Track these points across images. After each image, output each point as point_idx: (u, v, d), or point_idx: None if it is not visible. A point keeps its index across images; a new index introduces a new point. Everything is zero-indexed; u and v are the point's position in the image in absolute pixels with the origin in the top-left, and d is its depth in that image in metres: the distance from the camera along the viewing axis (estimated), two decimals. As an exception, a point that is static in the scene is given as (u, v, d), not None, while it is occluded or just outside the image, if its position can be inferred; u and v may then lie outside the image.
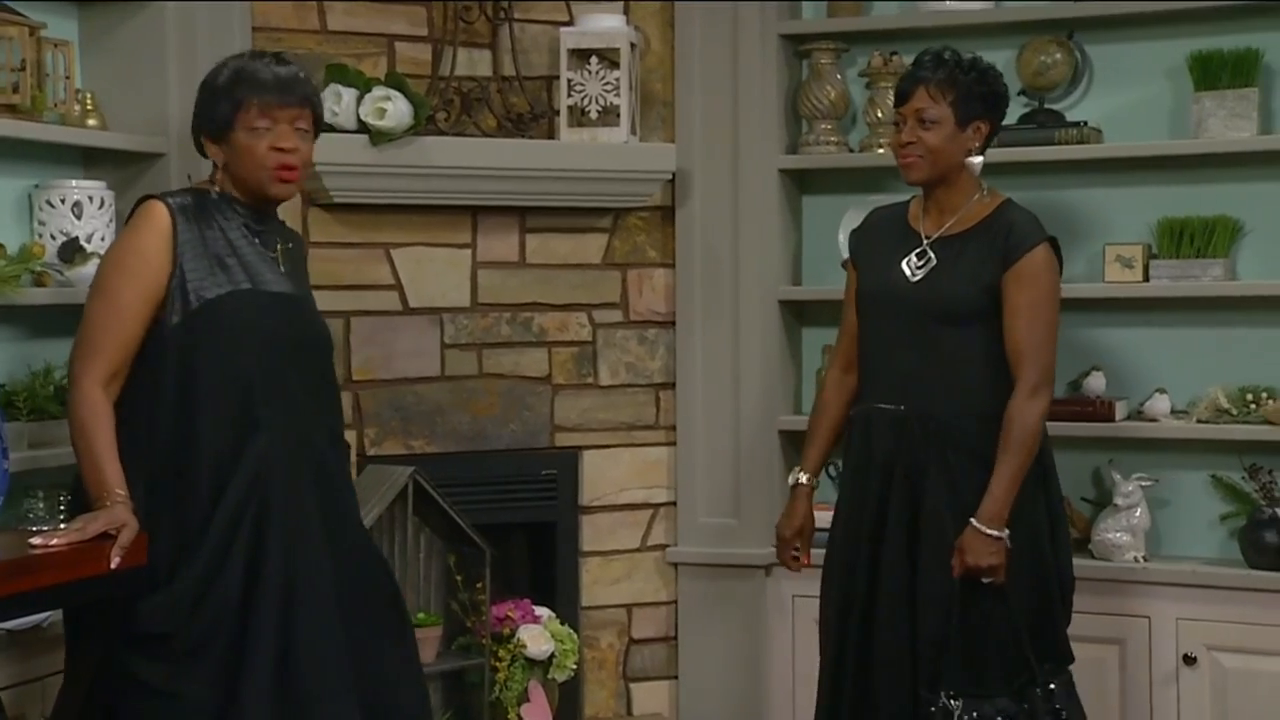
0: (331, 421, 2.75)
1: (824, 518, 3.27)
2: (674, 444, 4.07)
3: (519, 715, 3.69)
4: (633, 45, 3.85)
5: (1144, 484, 3.66)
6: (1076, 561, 3.19)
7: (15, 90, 3.07)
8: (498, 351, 3.93)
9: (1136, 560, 3.64)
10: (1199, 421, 3.65)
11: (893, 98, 3.90)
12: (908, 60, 3.88)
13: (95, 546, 2.41)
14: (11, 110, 3.08)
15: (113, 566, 2.41)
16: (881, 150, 3.94)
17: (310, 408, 2.67)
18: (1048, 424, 3.08)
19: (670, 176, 3.97)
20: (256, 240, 2.68)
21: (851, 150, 4.04)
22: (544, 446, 3.98)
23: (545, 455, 3.98)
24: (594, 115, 3.82)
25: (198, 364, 2.57)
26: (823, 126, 4.03)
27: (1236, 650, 3.53)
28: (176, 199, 2.66)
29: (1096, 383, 3.75)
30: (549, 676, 3.76)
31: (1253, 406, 3.61)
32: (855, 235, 3.30)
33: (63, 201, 3.19)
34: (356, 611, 2.64)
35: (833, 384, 3.26)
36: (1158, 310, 3.79)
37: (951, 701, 2.95)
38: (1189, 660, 3.55)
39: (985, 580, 2.97)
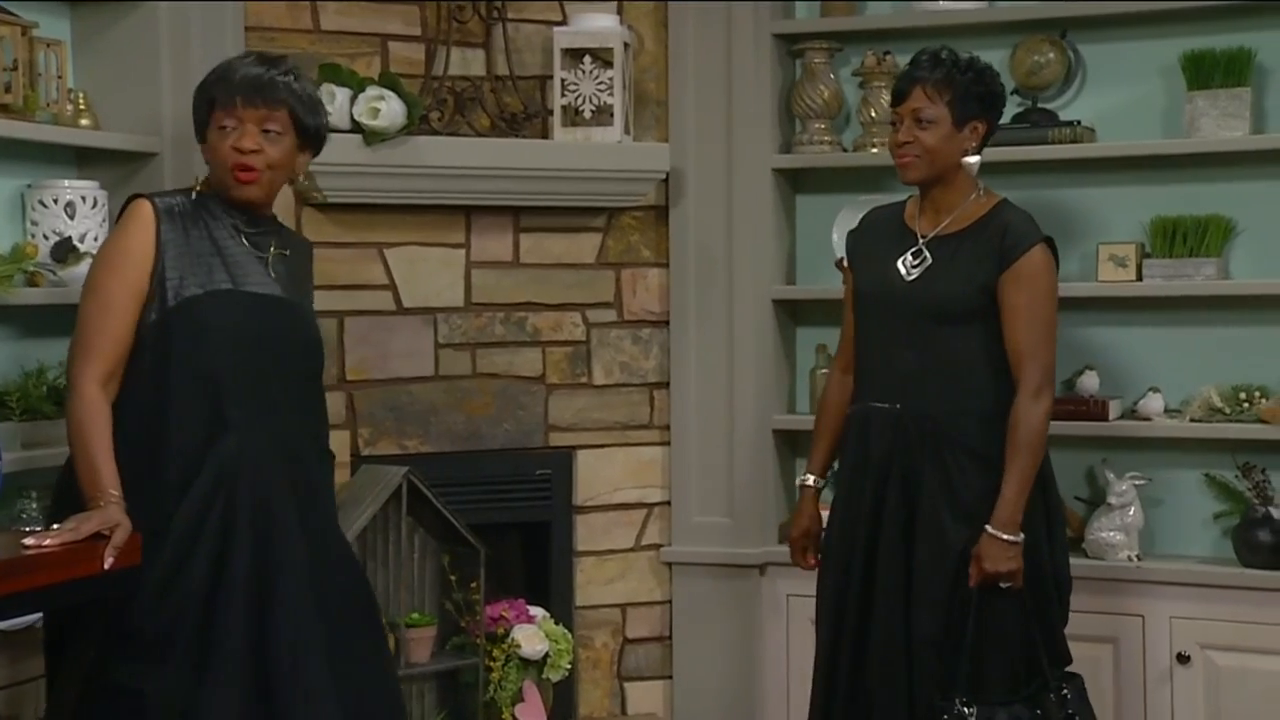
0: (316, 428, 2.74)
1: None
2: (668, 443, 4.07)
3: (513, 715, 3.69)
4: (626, 45, 3.85)
5: (1138, 483, 3.67)
6: (1070, 561, 3.19)
7: (7, 90, 3.07)
8: (492, 351, 3.93)
9: (1130, 559, 3.65)
10: (1192, 420, 3.66)
11: (887, 97, 3.92)
12: (901, 60, 3.90)
13: (89, 547, 2.41)
14: (4, 110, 3.07)
15: (106, 567, 2.41)
16: (875, 150, 3.95)
17: (291, 412, 2.66)
18: (1042, 423, 3.09)
19: (664, 176, 3.97)
20: (245, 241, 2.67)
21: (845, 150, 4.05)
22: (538, 446, 3.98)
23: (539, 455, 3.98)
24: (588, 115, 3.82)
25: (171, 362, 2.57)
26: (816, 126, 4.03)
27: (1230, 649, 3.54)
28: (164, 198, 2.67)
29: (1090, 382, 3.76)
30: (543, 676, 3.76)
31: (1246, 405, 3.61)
32: (852, 236, 3.30)
33: (55, 201, 3.19)
34: (334, 619, 2.63)
35: (835, 385, 3.27)
36: (1151, 309, 3.80)
37: (966, 709, 2.95)
38: (1183, 659, 3.56)
39: (1004, 585, 2.98)
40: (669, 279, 4.06)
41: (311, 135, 2.72)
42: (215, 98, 2.65)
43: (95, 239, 3.18)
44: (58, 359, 3.11)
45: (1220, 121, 3.64)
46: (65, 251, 3.14)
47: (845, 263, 3.50)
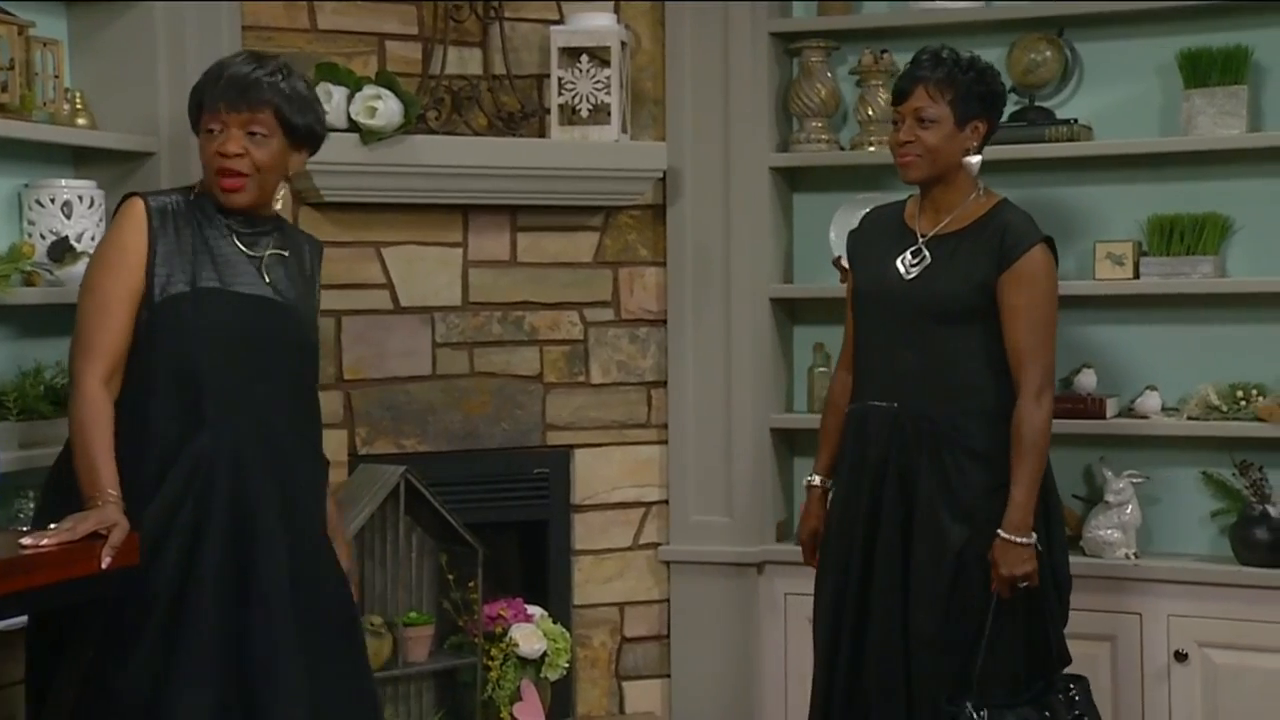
0: (307, 431, 2.73)
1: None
2: (665, 442, 4.07)
3: (511, 714, 3.69)
4: (623, 44, 3.85)
5: (1135, 481, 3.67)
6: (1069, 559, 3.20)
7: (4, 89, 3.06)
8: (489, 350, 3.93)
9: (1128, 557, 3.65)
10: (1189, 418, 3.66)
11: (884, 96, 3.94)
12: (898, 58, 3.90)
13: (86, 546, 2.41)
14: (0, 109, 3.07)
15: (104, 566, 2.41)
16: (872, 148, 3.95)
17: (280, 414, 2.64)
18: (1039, 422, 3.09)
19: (661, 175, 3.97)
20: (238, 242, 2.66)
21: (842, 148, 4.05)
22: (536, 445, 3.98)
23: (537, 454, 3.98)
24: (585, 114, 3.82)
25: (154, 358, 2.57)
26: (813, 124, 4.03)
27: (1227, 646, 3.54)
28: (158, 197, 2.66)
29: (1087, 380, 3.76)
30: (541, 675, 3.76)
31: (1243, 403, 3.62)
32: (853, 235, 3.30)
33: (52, 201, 3.19)
34: (311, 623, 2.62)
35: (840, 384, 3.27)
36: (1148, 307, 3.80)
37: (976, 714, 2.95)
38: (1180, 657, 3.56)
39: (1022, 585, 2.98)
40: (666, 278, 4.06)
41: (302, 134, 2.68)
42: (202, 100, 2.64)
43: (92, 238, 3.17)
44: (55, 359, 3.12)
45: (1217, 119, 3.64)
46: (62, 251, 3.14)
47: (844, 262, 3.50)
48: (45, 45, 3.21)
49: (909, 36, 3.92)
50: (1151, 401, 3.72)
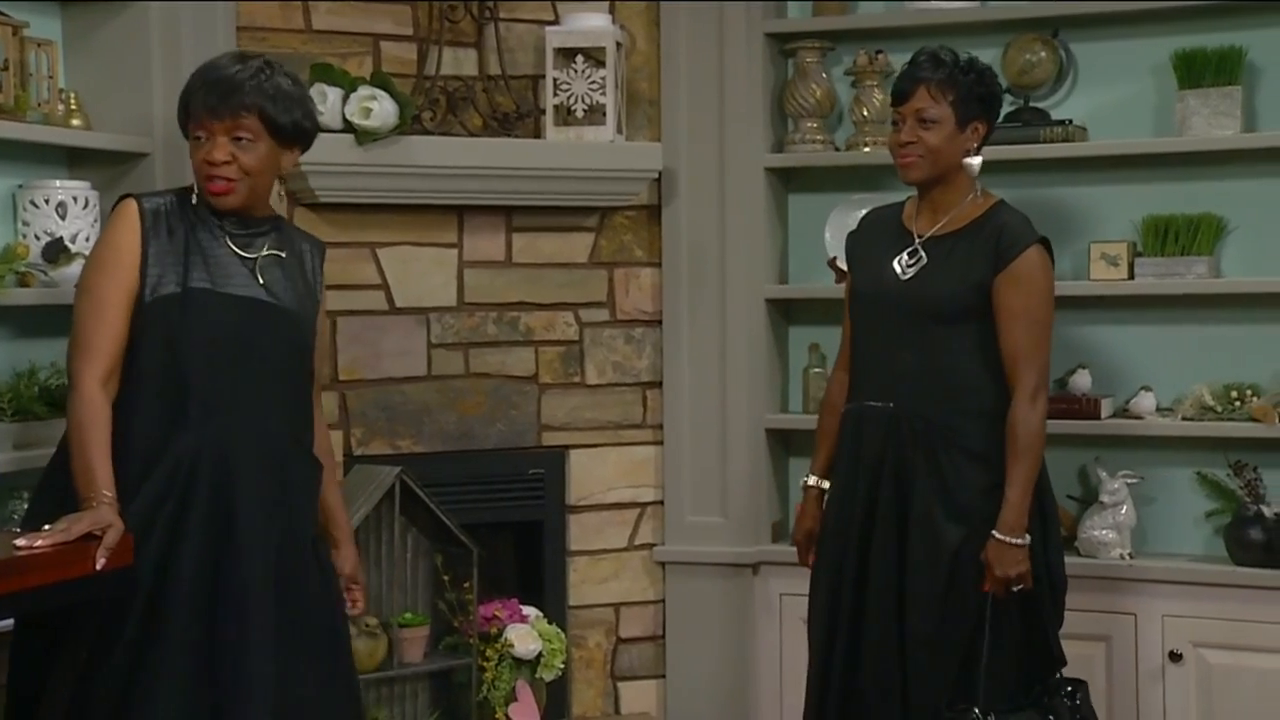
0: (300, 433, 2.71)
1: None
2: (661, 443, 4.07)
3: (506, 715, 3.69)
4: (618, 44, 3.85)
5: (1130, 481, 3.67)
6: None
7: (-1, 90, 3.07)
8: (484, 351, 3.92)
9: (1122, 557, 3.65)
10: (1184, 419, 3.66)
11: (879, 96, 3.95)
12: (893, 59, 3.91)
13: (80, 548, 2.40)
14: (-5, 110, 3.07)
15: (98, 567, 2.40)
16: (868, 149, 3.95)
17: (271, 416, 2.63)
18: (1033, 422, 3.09)
19: (656, 175, 3.97)
20: (231, 243, 2.65)
21: (837, 149, 4.05)
22: (531, 446, 3.98)
23: (532, 454, 3.98)
24: (580, 114, 3.82)
25: (140, 359, 2.57)
26: (808, 125, 4.03)
27: (1222, 647, 3.54)
28: (152, 198, 2.66)
29: (1082, 380, 3.76)
30: (536, 676, 3.75)
31: (1237, 404, 3.62)
32: (851, 236, 3.30)
33: (47, 202, 3.18)
34: (293, 628, 2.60)
35: (838, 385, 3.27)
36: (1143, 308, 3.80)
37: (984, 718, 2.95)
38: (1175, 657, 3.56)
39: (1016, 588, 2.98)
40: (661, 278, 4.06)
41: (290, 133, 2.65)
42: (187, 106, 2.63)
43: (87, 239, 3.17)
44: (49, 359, 3.11)
45: (1211, 120, 3.64)
46: (57, 252, 3.14)
47: (841, 263, 3.50)
48: (40, 46, 3.21)
49: (904, 37, 3.92)
50: (1146, 402, 3.72)
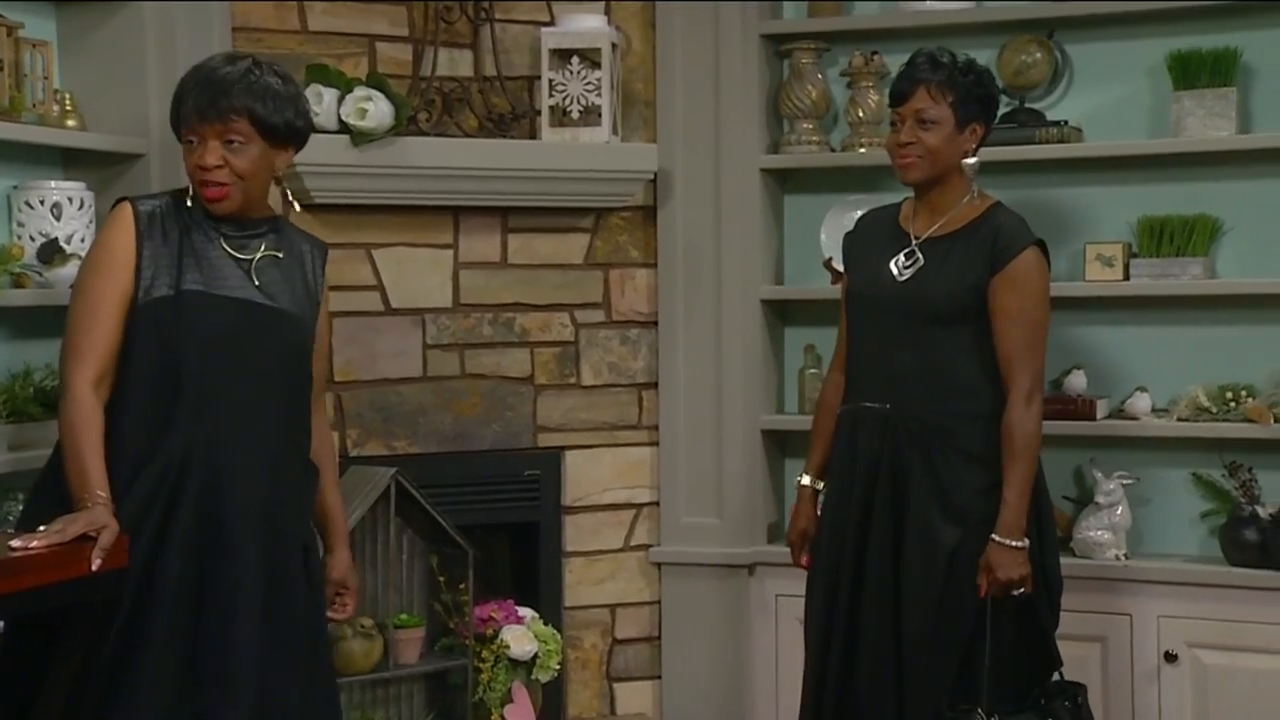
0: (294, 435, 2.69)
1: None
2: (656, 444, 4.07)
3: (502, 716, 3.69)
4: (614, 45, 3.85)
5: (1125, 482, 3.67)
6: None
7: (-7, 91, 3.06)
8: (480, 352, 3.92)
9: (1118, 558, 3.66)
10: (1179, 420, 3.66)
11: (875, 97, 3.95)
12: (889, 60, 3.91)
13: (75, 549, 2.39)
14: (-11, 111, 3.07)
15: (93, 568, 2.40)
16: (863, 150, 3.95)
17: (266, 419, 2.62)
18: (1029, 423, 3.09)
19: (652, 176, 3.97)
20: (225, 245, 2.64)
21: (833, 150, 4.05)
22: (526, 447, 3.97)
23: (528, 455, 3.97)
24: (575, 115, 3.82)
25: (133, 362, 2.56)
26: (804, 126, 4.04)
27: (1217, 647, 3.55)
28: (147, 201, 2.65)
29: (1077, 381, 3.76)
30: (532, 677, 3.75)
31: (1233, 404, 3.62)
32: (848, 238, 3.31)
33: (42, 202, 3.18)
34: (279, 631, 2.60)
35: (833, 386, 3.27)
36: (1138, 309, 3.81)
37: None
38: (1170, 657, 3.57)
39: (1016, 592, 2.98)
40: (657, 279, 4.06)
41: (282, 133, 2.63)
42: (178, 111, 2.61)
43: (82, 240, 3.17)
44: (44, 361, 3.11)
45: (1207, 121, 3.65)
46: (51, 253, 3.14)
47: (835, 263, 3.50)
48: (35, 46, 3.21)
49: (900, 38, 3.92)
50: (1141, 403, 3.72)
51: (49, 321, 3.07)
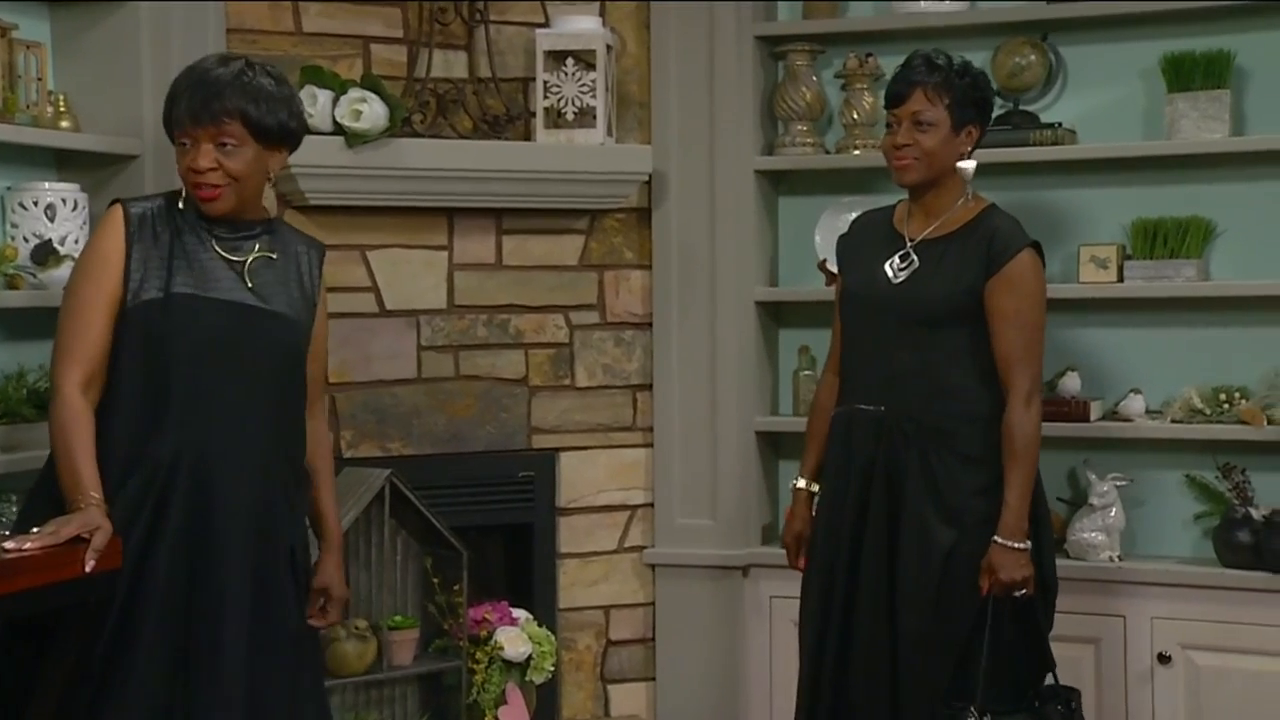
0: (286, 438, 2.68)
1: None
2: (651, 445, 4.07)
3: (496, 717, 3.69)
4: (609, 47, 3.85)
5: (1119, 484, 3.68)
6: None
7: (-13, 92, 3.06)
8: (474, 353, 3.92)
9: (1112, 560, 3.66)
10: (1173, 421, 3.67)
11: (869, 99, 3.95)
12: (883, 62, 3.91)
13: (69, 550, 2.39)
14: (-17, 112, 3.07)
15: (87, 570, 2.39)
16: (858, 151, 3.96)
17: (257, 422, 2.61)
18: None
19: (647, 178, 3.97)
20: (218, 247, 2.63)
21: (827, 151, 4.05)
22: (521, 448, 3.97)
23: (522, 457, 3.97)
24: (570, 117, 3.82)
25: (122, 364, 2.56)
26: (798, 128, 4.04)
27: (1210, 649, 3.55)
28: (139, 203, 2.64)
29: (1072, 383, 3.77)
30: (526, 678, 3.75)
31: (1226, 406, 3.63)
32: (842, 239, 3.31)
33: (35, 204, 3.18)
34: (267, 635, 2.59)
35: (827, 388, 3.27)
36: (1132, 311, 3.81)
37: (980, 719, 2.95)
38: (1164, 659, 3.57)
39: (1018, 594, 2.98)
40: (652, 281, 4.06)
41: (275, 135, 2.62)
42: (170, 114, 2.60)
43: (76, 241, 3.17)
44: (38, 362, 3.11)
45: (1200, 123, 3.65)
46: (45, 254, 3.13)
47: (829, 264, 3.50)
48: (28, 47, 3.20)
49: (894, 40, 3.93)
50: (1135, 404, 3.73)
51: (43, 323, 3.06)
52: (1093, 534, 3.68)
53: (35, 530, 2.42)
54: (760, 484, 4.06)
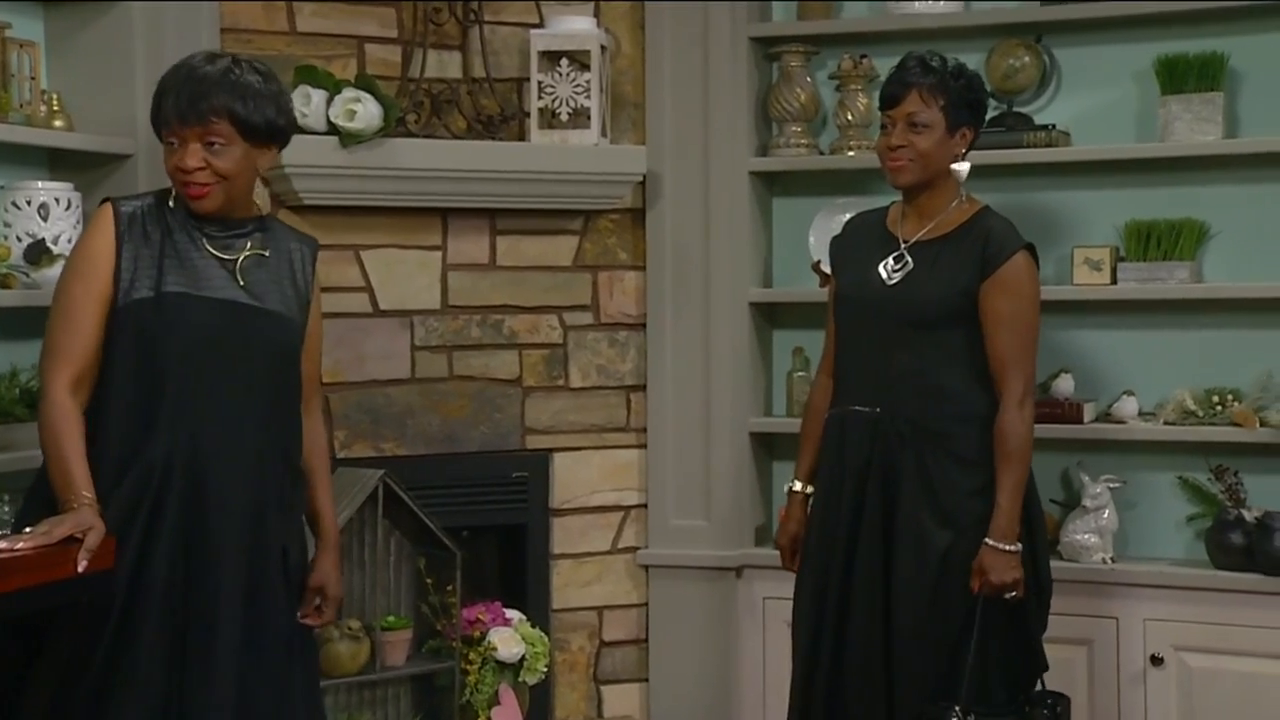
0: (281, 437, 2.67)
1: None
2: (645, 446, 4.07)
3: (489, 718, 3.68)
4: (603, 47, 3.85)
5: (1112, 485, 3.68)
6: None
7: (-20, 91, 3.06)
8: (468, 354, 3.92)
9: (1104, 561, 3.67)
10: (1166, 423, 3.67)
11: (864, 100, 3.96)
12: (877, 63, 3.92)
13: (62, 550, 2.39)
14: (-23, 111, 3.06)
15: (80, 570, 2.39)
16: (852, 153, 3.96)
17: (247, 419, 2.60)
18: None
19: (641, 179, 3.97)
20: (210, 245, 2.62)
21: (822, 153, 4.05)
22: (514, 449, 3.97)
23: (516, 457, 3.97)
24: (564, 117, 3.82)
25: (114, 364, 2.55)
26: (793, 129, 4.04)
27: (1203, 650, 3.55)
28: (130, 202, 2.64)
29: (1065, 385, 3.77)
30: (519, 679, 3.75)
31: (1219, 408, 3.63)
32: (835, 241, 3.31)
33: (29, 203, 3.17)
34: (260, 636, 2.59)
35: (821, 389, 3.27)
36: (1125, 313, 3.81)
37: (964, 718, 2.95)
38: (1156, 660, 3.58)
39: (1008, 596, 2.98)
40: (646, 281, 4.06)
41: (263, 133, 2.60)
42: (158, 113, 2.59)
43: (69, 241, 3.16)
44: (31, 361, 3.09)
45: (1194, 125, 3.66)
46: (38, 253, 3.13)
47: (823, 266, 3.50)
48: (22, 46, 3.20)
49: (888, 41, 3.93)
50: (1128, 406, 3.73)
51: (36, 322, 3.04)
52: (1085, 536, 3.68)
53: (28, 530, 2.41)
54: (754, 485, 4.06)
